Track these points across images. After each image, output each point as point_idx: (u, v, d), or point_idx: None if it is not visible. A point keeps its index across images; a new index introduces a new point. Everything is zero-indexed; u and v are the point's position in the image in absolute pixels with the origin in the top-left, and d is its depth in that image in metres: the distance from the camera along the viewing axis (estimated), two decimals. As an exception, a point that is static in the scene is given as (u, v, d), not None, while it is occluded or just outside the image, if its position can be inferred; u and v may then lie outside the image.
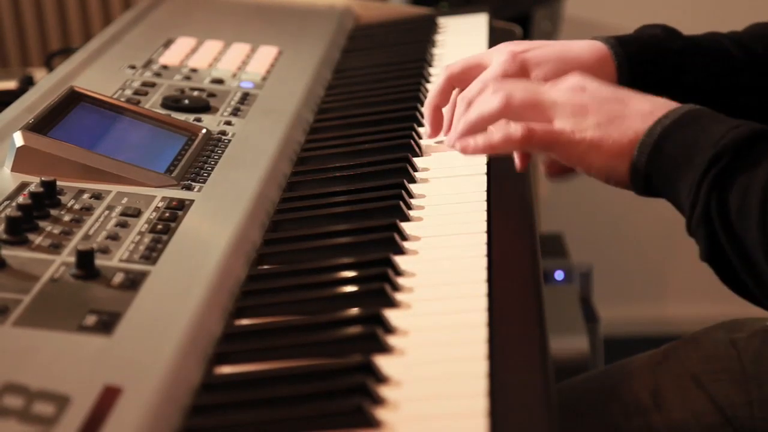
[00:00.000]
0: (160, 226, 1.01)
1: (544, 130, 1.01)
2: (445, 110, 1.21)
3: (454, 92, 1.19)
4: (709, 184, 0.91)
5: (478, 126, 1.06)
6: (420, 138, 1.25)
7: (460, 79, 1.19)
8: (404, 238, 1.02)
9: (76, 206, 1.04)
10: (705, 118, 0.96)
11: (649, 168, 0.97)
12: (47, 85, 1.31)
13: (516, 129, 1.02)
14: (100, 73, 1.38)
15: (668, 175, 0.95)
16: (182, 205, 1.06)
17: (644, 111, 0.99)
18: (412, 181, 1.14)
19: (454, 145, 1.08)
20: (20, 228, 0.97)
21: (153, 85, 1.36)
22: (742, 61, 1.20)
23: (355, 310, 0.90)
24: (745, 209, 0.89)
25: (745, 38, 1.22)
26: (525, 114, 1.03)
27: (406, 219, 1.06)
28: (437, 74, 1.46)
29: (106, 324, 0.86)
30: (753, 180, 0.89)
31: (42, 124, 1.13)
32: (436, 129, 1.22)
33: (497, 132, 1.04)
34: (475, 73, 1.17)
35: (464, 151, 1.07)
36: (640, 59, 1.17)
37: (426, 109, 1.22)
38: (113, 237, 0.99)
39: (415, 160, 1.18)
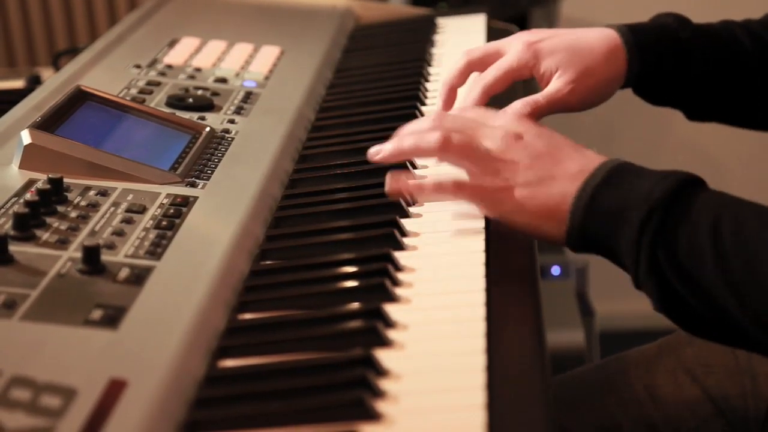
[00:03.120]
0: (164, 223, 1.02)
1: (473, 185, 1.00)
2: (461, 90, 1.25)
3: (472, 75, 1.24)
4: (650, 238, 0.90)
5: (411, 153, 1.07)
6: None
7: (479, 63, 1.24)
8: (404, 234, 1.03)
9: (83, 203, 1.05)
10: (630, 174, 0.95)
11: (585, 230, 0.95)
12: (54, 84, 1.32)
13: (446, 180, 1.02)
14: (106, 72, 1.39)
15: (604, 235, 0.94)
16: (186, 202, 1.07)
17: (573, 172, 0.97)
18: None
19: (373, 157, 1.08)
20: (28, 224, 0.98)
21: (158, 84, 1.37)
22: (751, 50, 1.23)
23: (355, 305, 0.91)
24: (696, 250, 0.89)
25: (756, 26, 1.25)
26: (458, 160, 1.02)
27: (406, 216, 1.07)
28: (437, 72, 1.48)
29: (112, 318, 0.87)
30: (696, 224, 0.90)
31: (49, 123, 1.14)
32: (448, 106, 1.25)
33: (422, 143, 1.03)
34: (493, 60, 1.22)
35: (373, 156, 1.07)
36: (651, 47, 1.21)
37: (443, 87, 1.26)
38: (119, 233, 1.00)
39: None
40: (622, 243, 0.93)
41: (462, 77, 1.25)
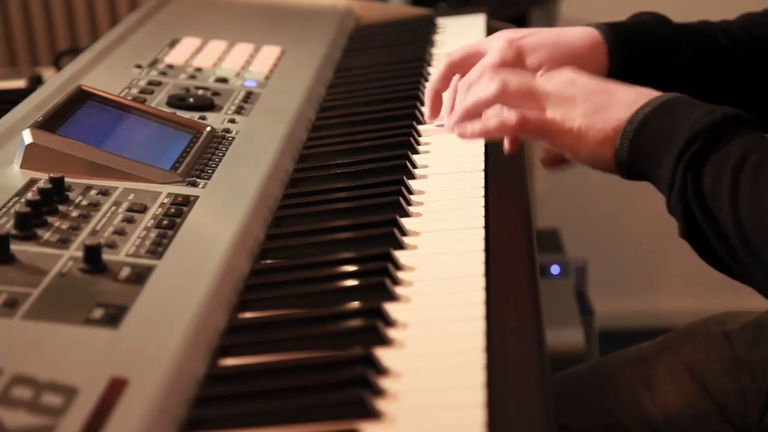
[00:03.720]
0: (165, 222, 1.02)
1: (537, 119, 1.06)
2: (445, 95, 1.25)
3: (454, 78, 1.22)
4: (684, 165, 0.95)
5: (475, 110, 1.11)
6: (419, 135, 1.27)
7: (460, 65, 1.24)
8: (404, 233, 1.03)
9: (84, 202, 1.05)
10: (682, 105, 0.99)
11: (632, 153, 1.00)
12: (55, 84, 1.32)
13: (511, 116, 1.06)
14: (107, 72, 1.39)
15: (649, 158, 0.99)
16: (187, 201, 1.07)
17: (628, 100, 1.03)
18: (412, 177, 1.15)
19: (452, 129, 1.13)
20: (29, 223, 0.98)
21: (159, 84, 1.37)
22: (727, 48, 1.24)
23: (355, 304, 0.92)
24: (717, 190, 0.92)
25: (733, 26, 1.26)
26: (519, 101, 1.07)
27: (406, 215, 1.07)
28: (438, 63, 1.48)
29: (113, 317, 0.87)
30: (724, 162, 0.93)
31: (50, 122, 1.14)
32: (435, 112, 1.27)
33: (493, 118, 1.08)
34: (474, 60, 1.23)
35: (462, 136, 1.12)
36: (631, 45, 1.22)
37: (427, 93, 1.27)
38: (120, 232, 1.00)
39: (415, 157, 1.20)
40: (662, 166, 0.97)
41: (444, 81, 1.25)
